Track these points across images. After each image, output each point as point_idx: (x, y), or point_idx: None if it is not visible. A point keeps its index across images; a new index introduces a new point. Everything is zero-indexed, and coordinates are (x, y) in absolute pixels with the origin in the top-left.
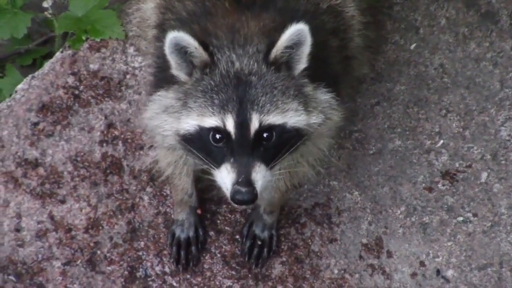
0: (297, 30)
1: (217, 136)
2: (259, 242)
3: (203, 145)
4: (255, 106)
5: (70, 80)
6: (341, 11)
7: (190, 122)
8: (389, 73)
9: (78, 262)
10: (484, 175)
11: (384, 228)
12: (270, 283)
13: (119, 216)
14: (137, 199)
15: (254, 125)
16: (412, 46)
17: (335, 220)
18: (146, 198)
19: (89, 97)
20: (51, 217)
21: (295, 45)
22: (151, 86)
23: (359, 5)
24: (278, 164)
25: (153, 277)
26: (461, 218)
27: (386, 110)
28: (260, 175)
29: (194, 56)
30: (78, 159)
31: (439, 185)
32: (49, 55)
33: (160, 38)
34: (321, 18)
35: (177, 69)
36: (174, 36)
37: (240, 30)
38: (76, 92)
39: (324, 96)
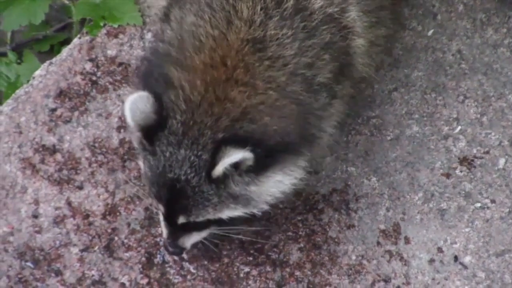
0: (239, 159)
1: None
2: None
3: None
4: (183, 211)
5: (88, 66)
6: (338, 18)
7: (142, 170)
8: (406, 59)
9: (96, 248)
10: (502, 161)
11: (401, 214)
12: (287, 269)
13: (137, 202)
14: None
15: (181, 221)
16: (430, 32)
17: (353, 206)
18: None
19: (107, 83)
20: (69, 203)
21: (239, 163)
22: (136, 83)
23: (364, 7)
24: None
25: (170, 263)
26: (478, 204)
27: (404, 96)
28: (189, 239)
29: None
30: (96, 145)
31: (457, 171)
32: (67, 41)
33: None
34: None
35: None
36: (125, 106)
37: (197, 122)
38: (94, 78)
39: (272, 186)
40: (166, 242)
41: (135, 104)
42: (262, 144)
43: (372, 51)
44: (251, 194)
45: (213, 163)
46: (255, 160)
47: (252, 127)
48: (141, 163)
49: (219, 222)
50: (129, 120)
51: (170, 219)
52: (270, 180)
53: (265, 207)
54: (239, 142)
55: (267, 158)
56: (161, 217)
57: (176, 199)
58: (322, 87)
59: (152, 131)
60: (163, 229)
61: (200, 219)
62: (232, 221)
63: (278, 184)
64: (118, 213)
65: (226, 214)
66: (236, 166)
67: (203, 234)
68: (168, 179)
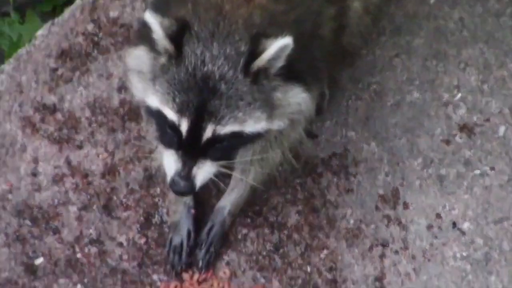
0: (284, 45)
1: (173, 125)
2: (212, 250)
3: (160, 125)
4: (212, 118)
5: (90, 27)
6: None
7: (154, 103)
8: (408, 26)
9: (94, 207)
10: (502, 129)
11: (400, 179)
12: (285, 232)
13: (136, 163)
14: (154, 146)
15: (207, 134)
16: (432, 0)
17: (352, 170)
18: (154, 129)
19: (108, 44)
20: (68, 162)
21: (278, 55)
22: (135, 37)
23: None
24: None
25: (168, 224)
26: (478, 172)
27: (405, 62)
28: (202, 170)
29: (161, 44)
30: (96, 105)
31: (457, 138)
32: (70, 2)
33: None
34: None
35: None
36: (146, 17)
37: (226, 18)
38: (96, 39)
39: (295, 99)
40: (177, 177)
41: (155, 18)
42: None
43: (363, 20)
44: (275, 101)
45: (253, 55)
46: (286, 62)
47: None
48: (153, 96)
49: (240, 138)
50: (161, 34)
51: (192, 139)
52: (294, 92)
53: (284, 123)
54: (273, 35)
55: (291, 72)
56: (169, 152)
57: (207, 101)
58: (321, 39)
59: (176, 36)
60: (172, 163)
61: (227, 128)
62: (252, 138)
63: (296, 97)
64: (117, 173)
65: (251, 125)
66: (268, 66)
67: (215, 167)
68: (199, 78)
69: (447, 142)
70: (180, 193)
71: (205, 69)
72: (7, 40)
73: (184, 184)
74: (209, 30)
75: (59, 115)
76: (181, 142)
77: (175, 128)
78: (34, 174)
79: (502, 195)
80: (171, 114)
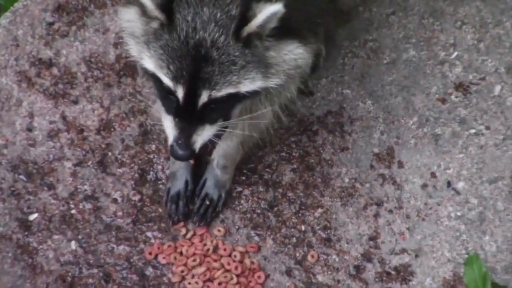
0: (274, 12)
1: (169, 90)
2: (207, 202)
3: (159, 87)
4: (206, 84)
5: None
6: None
7: (149, 67)
8: None
9: (89, 163)
10: (497, 88)
11: (396, 138)
12: (280, 190)
13: (132, 119)
14: (150, 102)
15: (203, 99)
16: None
17: (347, 128)
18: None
19: None
20: (63, 117)
21: (268, 21)
22: None
23: None
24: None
25: (163, 180)
26: (473, 131)
27: (402, 20)
28: (201, 136)
29: (152, 13)
30: (92, 60)
31: (452, 97)
32: None
33: None
34: None
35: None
36: None
37: None
38: None
39: (290, 55)
40: (176, 144)
41: None
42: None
43: None
44: (270, 60)
45: (244, 19)
46: (278, 23)
47: None
48: (148, 60)
49: (237, 98)
50: (150, 5)
51: (189, 105)
52: (289, 48)
53: (281, 79)
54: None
55: (284, 28)
56: (167, 118)
57: (200, 69)
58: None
59: (167, 3)
60: (171, 130)
61: (223, 92)
62: (249, 96)
63: (292, 53)
64: (112, 129)
65: (246, 86)
66: (259, 30)
67: (213, 129)
68: (191, 46)
69: (443, 100)
70: (179, 159)
71: (197, 36)
72: None
73: (182, 152)
74: None
75: (55, 70)
76: (178, 109)
77: (171, 93)
78: (29, 129)
79: (497, 154)
80: (166, 80)
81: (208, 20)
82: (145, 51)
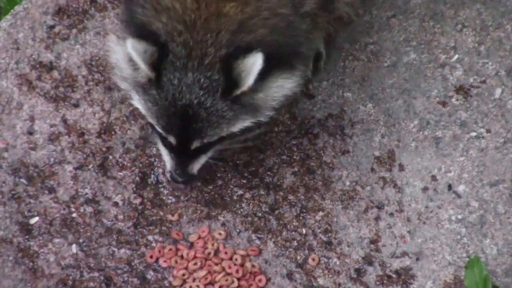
0: (260, 67)
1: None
2: None
3: (150, 125)
4: (197, 136)
5: None
6: None
7: (140, 108)
8: None
9: (90, 166)
10: (498, 91)
11: (396, 141)
12: (281, 193)
13: (132, 122)
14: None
15: (195, 145)
16: None
17: (348, 131)
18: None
19: (106, 2)
20: (64, 120)
21: (253, 74)
22: (123, 21)
23: None
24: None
25: (164, 184)
26: (474, 134)
27: (402, 23)
28: (197, 164)
29: (142, 71)
30: (93, 63)
31: (453, 100)
32: None
33: None
34: None
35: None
36: (128, 46)
37: (197, 41)
38: None
39: (278, 90)
40: (175, 173)
41: (137, 48)
42: (263, 52)
43: None
44: (259, 102)
45: (230, 81)
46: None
47: (250, 38)
48: (137, 103)
49: (229, 137)
50: (142, 65)
51: (182, 148)
52: (274, 85)
53: (271, 113)
54: (244, 52)
55: (268, 65)
56: (164, 150)
57: (189, 125)
58: (307, 15)
59: (156, 63)
60: (168, 161)
61: (214, 138)
62: (241, 133)
63: (280, 88)
64: (113, 132)
65: (238, 127)
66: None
67: (209, 154)
68: (179, 107)
69: (443, 103)
70: (183, 184)
71: (183, 99)
72: None
73: (182, 180)
74: (183, 57)
75: (55, 73)
76: (173, 148)
77: (164, 137)
78: (30, 133)
79: (498, 157)
80: (157, 128)
81: (193, 84)
82: (134, 93)
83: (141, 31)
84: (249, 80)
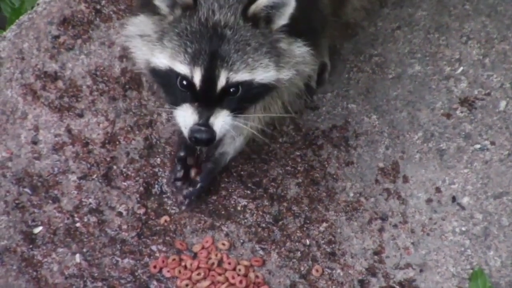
0: None
1: (184, 82)
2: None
3: (170, 84)
4: (224, 63)
5: None
6: None
7: (162, 61)
8: None
9: (94, 176)
10: (502, 103)
11: (401, 153)
12: (285, 204)
13: (137, 132)
14: (155, 115)
15: (221, 82)
16: None
17: (352, 143)
18: (164, 114)
19: (111, 12)
20: (69, 130)
21: (276, 5)
22: (136, 6)
23: None
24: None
25: (168, 194)
26: (478, 146)
27: (407, 35)
28: (220, 119)
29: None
30: (98, 73)
31: (457, 112)
32: None
33: None
34: None
35: (159, 0)
36: None
37: None
38: (98, 6)
39: (299, 50)
40: (196, 126)
41: None
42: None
43: None
44: (282, 51)
45: (251, 0)
46: (288, 21)
47: None
48: (161, 51)
49: (252, 87)
50: None
51: (207, 89)
52: (297, 44)
53: (291, 72)
54: None
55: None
56: (183, 110)
57: (218, 47)
58: (320, 13)
59: None
60: (189, 117)
61: (239, 75)
62: (263, 89)
63: (303, 51)
64: (117, 142)
65: (260, 73)
66: (269, 17)
67: (230, 118)
68: (210, 26)
69: (448, 115)
70: (201, 141)
71: (215, 18)
72: (9, 6)
73: (204, 132)
74: None
75: (60, 83)
76: (196, 94)
77: (188, 81)
78: (35, 142)
79: (502, 169)
80: (182, 67)
81: (223, 3)
82: (157, 47)
83: None
84: (260, 3)
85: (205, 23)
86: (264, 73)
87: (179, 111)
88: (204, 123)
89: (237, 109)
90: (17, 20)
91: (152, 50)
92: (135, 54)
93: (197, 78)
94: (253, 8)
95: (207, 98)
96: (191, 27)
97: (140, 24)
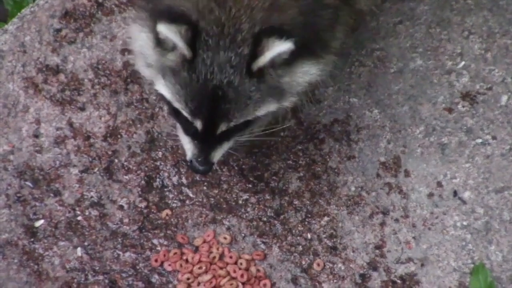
0: (282, 51)
1: (187, 121)
2: None
3: (176, 114)
4: (224, 118)
5: None
6: None
7: (165, 95)
8: None
9: (96, 170)
10: (504, 98)
11: (402, 147)
12: (286, 198)
13: (138, 125)
14: (157, 109)
15: (221, 129)
16: None
17: (354, 137)
18: (165, 108)
19: (113, 6)
20: (70, 124)
21: (279, 56)
22: (148, 7)
23: None
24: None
25: (169, 188)
26: (479, 140)
27: (409, 29)
28: (219, 152)
29: (179, 50)
30: (99, 67)
31: (459, 106)
32: None
33: None
34: None
35: (165, 36)
36: (161, 29)
37: (230, 18)
38: (100, 0)
39: (303, 77)
40: (196, 161)
41: (171, 29)
42: (293, 35)
43: None
44: (284, 86)
45: (254, 56)
46: (289, 56)
47: (283, 18)
48: (163, 88)
49: (253, 122)
50: (181, 44)
51: (207, 132)
52: (300, 70)
53: (294, 98)
54: (276, 33)
55: (295, 50)
56: (186, 138)
57: (218, 107)
58: (329, 7)
59: (191, 42)
60: (190, 149)
61: (241, 121)
62: (263, 119)
63: (305, 74)
64: (119, 136)
65: (263, 110)
66: (270, 64)
67: (231, 143)
68: (210, 88)
69: (449, 110)
70: (199, 174)
71: (215, 80)
72: None
73: (202, 168)
74: (216, 34)
75: (62, 76)
76: (197, 135)
77: (189, 123)
78: (36, 136)
79: (503, 164)
80: (184, 113)
81: (224, 63)
82: (160, 79)
83: (170, 13)
84: (267, 57)
85: (204, 83)
86: (266, 109)
87: (182, 136)
88: (203, 160)
89: (237, 134)
90: (18, 13)
91: (154, 79)
92: (138, 67)
93: (198, 126)
94: (256, 65)
95: (208, 138)
96: (190, 82)
97: (143, 46)
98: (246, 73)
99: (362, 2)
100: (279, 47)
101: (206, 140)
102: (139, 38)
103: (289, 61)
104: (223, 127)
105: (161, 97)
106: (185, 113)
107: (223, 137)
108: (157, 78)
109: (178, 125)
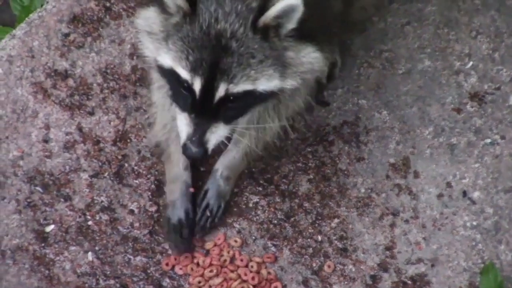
0: (291, 4)
1: (186, 85)
2: (208, 214)
3: (174, 84)
4: (225, 76)
5: None
6: None
7: (166, 62)
8: None
9: (106, 174)
10: None
11: (411, 148)
12: (296, 200)
13: (148, 129)
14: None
15: (220, 93)
16: None
17: (363, 139)
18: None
19: (121, 10)
20: (80, 128)
21: (285, 14)
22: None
23: None
24: (242, 118)
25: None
26: (488, 140)
27: (417, 30)
28: (215, 134)
29: (174, 2)
30: (108, 71)
31: (468, 107)
32: None
33: None
34: None
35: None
36: None
37: None
38: (108, 4)
39: (307, 58)
40: (190, 141)
41: None
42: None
43: None
44: (288, 60)
45: (261, 10)
46: (297, 24)
47: None
48: (165, 52)
49: (252, 101)
50: None
51: (205, 101)
52: (305, 49)
53: (296, 81)
54: None
55: (303, 32)
56: (182, 115)
57: (219, 59)
58: (330, 7)
59: None
60: (185, 126)
61: (240, 87)
62: (264, 96)
63: (310, 55)
64: (128, 140)
65: (263, 83)
66: (278, 25)
67: (227, 130)
68: (213, 35)
69: (458, 110)
70: (193, 158)
71: (218, 26)
72: (18, 4)
73: (196, 150)
74: None
75: (70, 81)
76: (194, 103)
77: (188, 87)
78: (46, 141)
79: None
80: (184, 73)
81: (230, 11)
82: (163, 47)
83: None
84: (275, 10)
85: (207, 31)
86: (267, 83)
87: (179, 119)
88: (197, 141)
89: (236, 118)
90: (26, 18)
91: (158, 49)
92: (144, 49)
93: (196, 87)
94: (263, 19)
95: (205, 109)
96: (193, 34)
97: (149, 19)
98: (251, 26)
99: (358, 14)
100: (287, 2)
101: (202, 113)
102: (146, 15)
103: (295, 37)
104: (222, 90)
105: (162, 73)
106: (184, 73)
107: (221, 113)
108: (160, 47)
109: (176, 110)
